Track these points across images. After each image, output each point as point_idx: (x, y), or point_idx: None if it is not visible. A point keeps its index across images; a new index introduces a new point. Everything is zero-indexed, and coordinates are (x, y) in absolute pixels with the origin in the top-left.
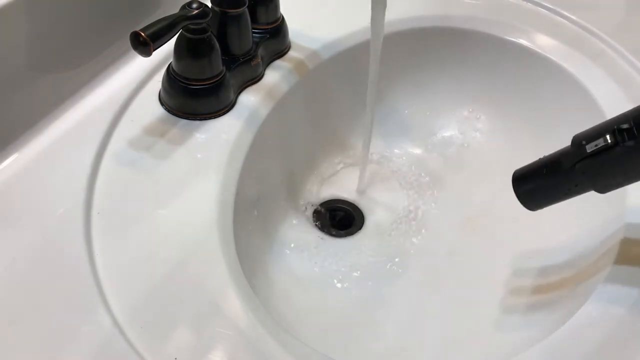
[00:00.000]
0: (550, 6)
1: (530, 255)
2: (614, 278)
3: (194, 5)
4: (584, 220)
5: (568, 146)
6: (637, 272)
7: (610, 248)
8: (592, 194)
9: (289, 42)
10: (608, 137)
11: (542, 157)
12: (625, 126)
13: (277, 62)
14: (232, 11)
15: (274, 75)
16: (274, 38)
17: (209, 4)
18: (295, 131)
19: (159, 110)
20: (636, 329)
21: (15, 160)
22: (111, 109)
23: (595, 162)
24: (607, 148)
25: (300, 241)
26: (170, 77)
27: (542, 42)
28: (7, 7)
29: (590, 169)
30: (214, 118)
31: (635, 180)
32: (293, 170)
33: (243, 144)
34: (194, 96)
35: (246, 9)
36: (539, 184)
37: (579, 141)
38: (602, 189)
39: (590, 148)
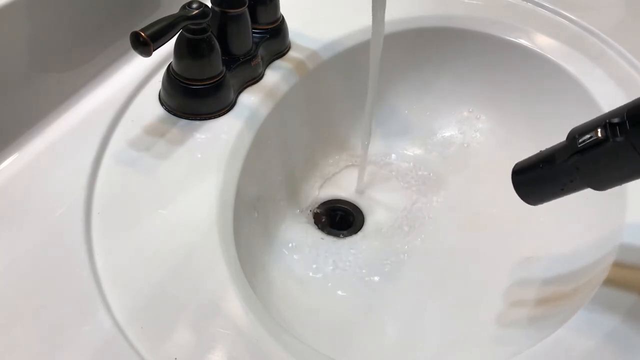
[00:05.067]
0: (550, 6)
1: (529, 255)
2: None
3: (194, 5)
4: (584, 224)
5: (564, 140)
6: (621, 296)
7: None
8: (591, 198)
9: (289, 42)
10: (599, 131)
11: (541, 150)
12: (616, 120)
13: (277, 62)
14: (232, 11)
15: (274, 75)
16: (274, 38)
17: (209, 4)
18: (295, 131)
19: (159, 110)
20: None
21: (15, 160)
22: (111, 109)
23: (587, 157)
24: (597, 143)
25: (300, 241)
26: (170, 77)
27: (542, 42)
28: (7, 7)
29: (582, 165)
30: (214, 118)
31: (630, 179)
32: (293, 170)
33: (243, 144)
34: (194, 96)
35: (246, 9)
36: (535, 179)
37: (573, 135)
38: (597, 186)
39: (582, 142)
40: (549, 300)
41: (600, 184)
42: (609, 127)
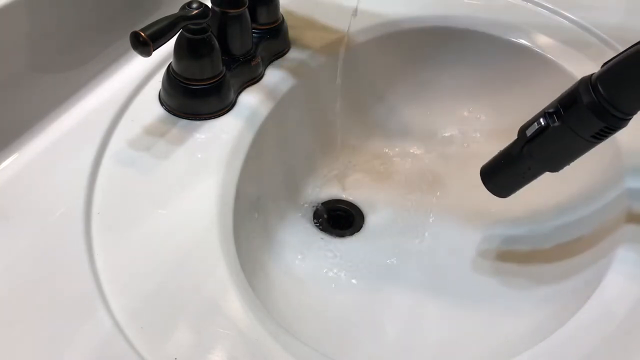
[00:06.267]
0: (550, 6)
1: (530, 253)
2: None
3: (194, 5)
4: (585, 212)
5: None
6: None
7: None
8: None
9: (289, 42)
10: (541, 120)
11: (500, 150)
12: (551, 110)
13: (277, 62)
14: (232, 11)
15: (274, 75)
16: (274, 38)
17: (209, 4)
18: (295, 131)
19: (159, 110)
20: None
21: (15, 160)
22: (111, 109)
23: (535, 143)
24: (541, 130)
25: (300, 241)
26: (170, 77)
27: (542, 42)
28: (7, 7)
29: (534, 151)
30: (214, 118)
31: (576, 156)
32: (293, 170)
33: (243, 144)
34: (194, 96)
35: (246, 9)
36: (500, 174)
37: (522, 129)
38: (552, 168)
39: (529, 132)
40: (549, 302)
41: (554, 165)
42: (547, 116)
